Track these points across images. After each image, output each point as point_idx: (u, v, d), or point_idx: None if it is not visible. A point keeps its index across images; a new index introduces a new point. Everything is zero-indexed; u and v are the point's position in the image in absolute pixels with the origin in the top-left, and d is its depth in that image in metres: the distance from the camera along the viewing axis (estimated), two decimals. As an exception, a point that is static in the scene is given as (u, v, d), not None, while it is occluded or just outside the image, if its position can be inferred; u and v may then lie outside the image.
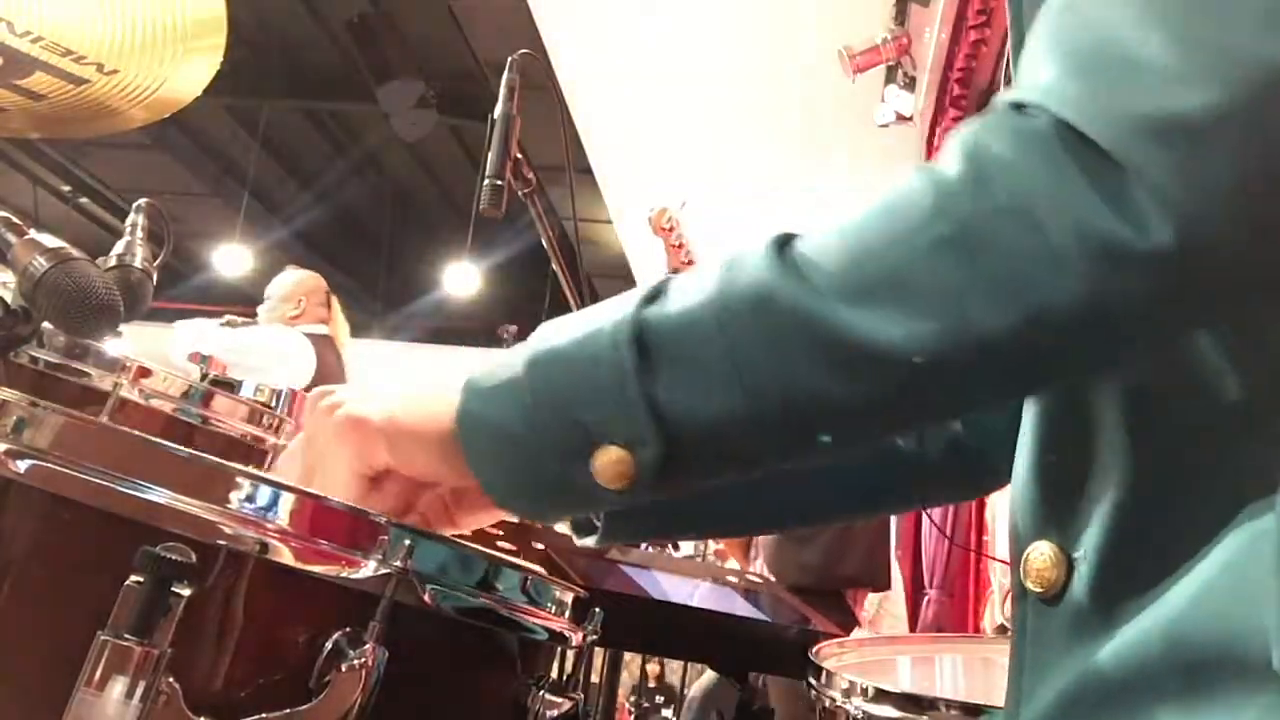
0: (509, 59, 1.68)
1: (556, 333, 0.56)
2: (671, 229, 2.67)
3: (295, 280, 3.91)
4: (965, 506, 3.85)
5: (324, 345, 3.77)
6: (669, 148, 6.17)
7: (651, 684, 7.22)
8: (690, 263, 2.69)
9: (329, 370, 3.66)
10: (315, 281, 3.93)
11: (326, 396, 0.69)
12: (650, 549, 2.26)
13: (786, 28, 4.84)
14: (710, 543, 5.09)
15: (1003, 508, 3.63)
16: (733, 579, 1.71)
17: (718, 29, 5.00)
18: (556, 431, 0.54)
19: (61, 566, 0.72)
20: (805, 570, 2.77)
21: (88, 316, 0.88)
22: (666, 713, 6.70)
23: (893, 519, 3.61)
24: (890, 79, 4.44)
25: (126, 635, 0.64)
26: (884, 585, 3.07)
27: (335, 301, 3.99)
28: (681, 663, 5.32)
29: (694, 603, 1.54)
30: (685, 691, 4.82)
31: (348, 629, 0.75)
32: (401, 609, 0.76)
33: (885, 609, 3.17)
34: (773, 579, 2.75)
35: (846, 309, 0.48)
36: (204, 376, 1.32)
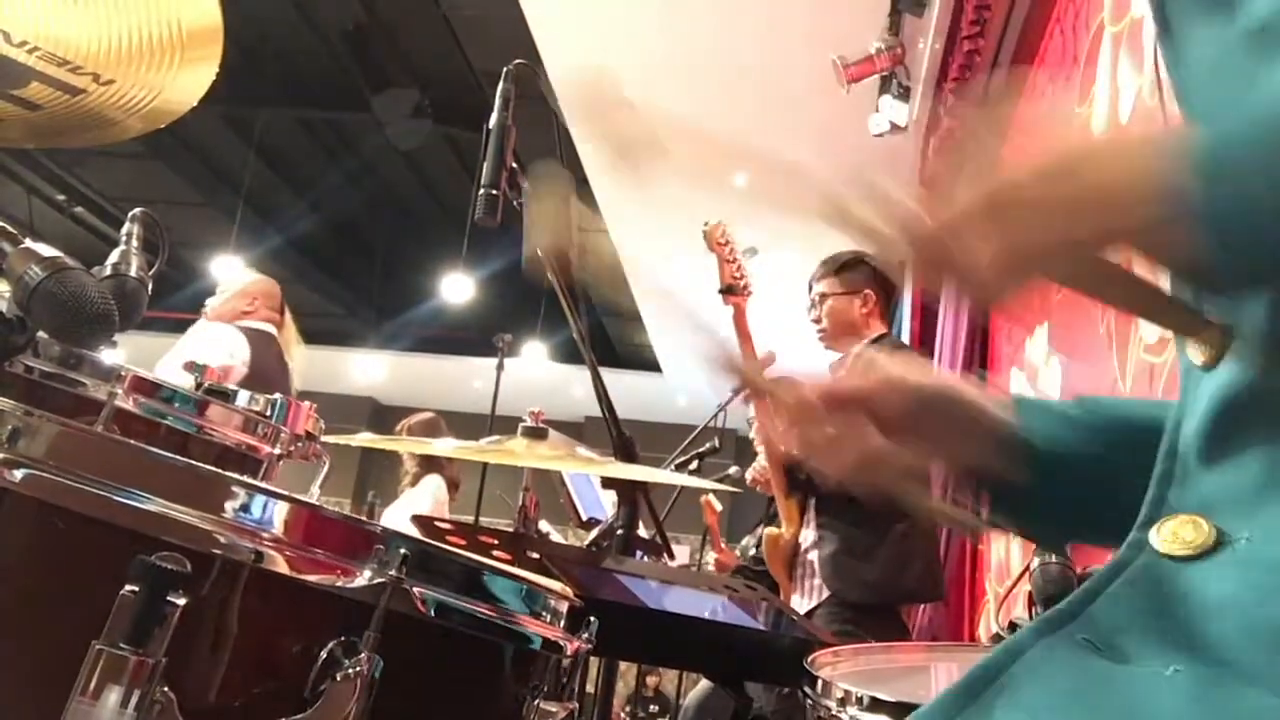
0: (504, 69, 1.69)
1: None
2: (726, 244, 2.66)
3: (251, 279, 3.91)
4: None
5: (265, 341, 3.68)
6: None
7: (650, 693, 7.20)
8: (742, 278, 2.68)
9: (268, 368, 3.57)
10: (270, 286, 3.88)
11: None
12: (646, 558, 2.25)
13: (781, 38, 4.86)
14: (709, 551, 5.08)
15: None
16: (728, 587, 1.71)
17: (712, 40, 5.02)
18: None
19: (56, 576, 0.72)
20: (868, 587, 2.70)
21: (83, 326, 0.88)
22: (661, 721, 6.69)
23: None
24: (885, 89, 4.45)
25: (121, 645, 0.64)
26: (940, 598, 3.04)
27: (288, 312, 3.94)
28: (676, 672, 5.31)
29: (690, 612, 1.54)
30: (680, 701, 4.81)
31: (343, 638, 0.75)
32: (396, 618, 0.76)
33: None
34: (828, 594, 2.72)
35: None
36: (199, 385, 1.32)
